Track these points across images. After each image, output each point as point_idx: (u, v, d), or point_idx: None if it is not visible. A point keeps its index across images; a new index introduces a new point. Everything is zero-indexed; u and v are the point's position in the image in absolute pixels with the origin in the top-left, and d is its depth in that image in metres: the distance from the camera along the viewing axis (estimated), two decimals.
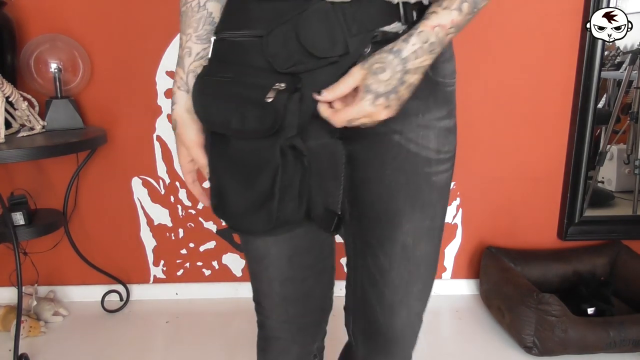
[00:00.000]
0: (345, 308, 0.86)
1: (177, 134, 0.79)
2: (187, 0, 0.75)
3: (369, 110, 0.62)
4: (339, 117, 0.64)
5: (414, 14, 0.65)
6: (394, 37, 0.65)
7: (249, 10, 0.68)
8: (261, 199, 0.69)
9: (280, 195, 0.68)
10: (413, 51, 0.61)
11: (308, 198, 0.71)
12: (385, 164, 0.72)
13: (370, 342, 0.83)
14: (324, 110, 0.65)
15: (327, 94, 0.64)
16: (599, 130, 1.93)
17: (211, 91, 0.70)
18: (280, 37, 0.64)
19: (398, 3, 0.64)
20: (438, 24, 0.61)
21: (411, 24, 0.65)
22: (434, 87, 0.70)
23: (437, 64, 0.68)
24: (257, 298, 0.87)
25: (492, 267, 1.86)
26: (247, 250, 0.83)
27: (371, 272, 0.77)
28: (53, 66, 1.68)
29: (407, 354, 0.84)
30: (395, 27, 0.65)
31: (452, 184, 1.95)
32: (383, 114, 0.63)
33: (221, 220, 1.96)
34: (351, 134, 0.72)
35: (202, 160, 0.77)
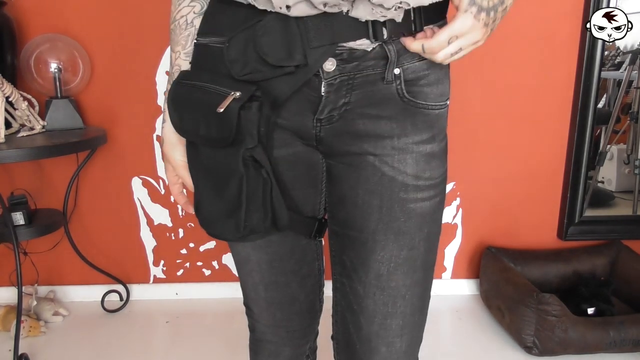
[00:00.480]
0: (332, 337, 0.84)
1: (164, 152, 0.78)
2: (175, 17, 0.73)
3: (470, 23, 0.60)
4: (439, 37, 0.60)
5: (384, 31, 0.62)
6: (362, 54, 0.63)
7: (221, 15, 0.68)
8: (230, 207, 0.68)
9: (246, 205, 0.66)
10: None
11: (272, 209, 0.69)
12: (359, 184, 0.69)
13: None
14: (419, 38, 0.62)
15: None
16: (599, 130, 1.93)
17: (183, 98, 0.69)
18: (240, 43, 0.64)
19: (367, 21, 0.61)
20: None
21: (384, 42, 0.63)
22: (412, 110, 0.66)
23: (417, 86, 0.66)
24: (246, 302, 0.88)
25: (492, 267, 1.86)
26: (232, 255, 0.83)
27: (348, 295, 0.75)
28: (53, 66, 1.68)
29: None
30: (363, 43, 0.62)
31: (452, 184, 1.95)
32: (481, 32, 0.61)
33: None
34: (326, 149, 0.71)
35: (189, 180, 0.77)
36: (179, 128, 0.71)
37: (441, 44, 0.61)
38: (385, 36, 0.62)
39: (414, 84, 0.66)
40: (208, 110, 0.64)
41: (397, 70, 0.64)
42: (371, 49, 0.63)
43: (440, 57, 0.62)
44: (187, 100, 0.68)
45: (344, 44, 0.62)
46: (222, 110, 0.61)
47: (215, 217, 0.71)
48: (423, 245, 0.71)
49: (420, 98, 0.67)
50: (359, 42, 0.62)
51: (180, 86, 0.70)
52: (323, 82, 0.64)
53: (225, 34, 0.66)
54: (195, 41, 0.72)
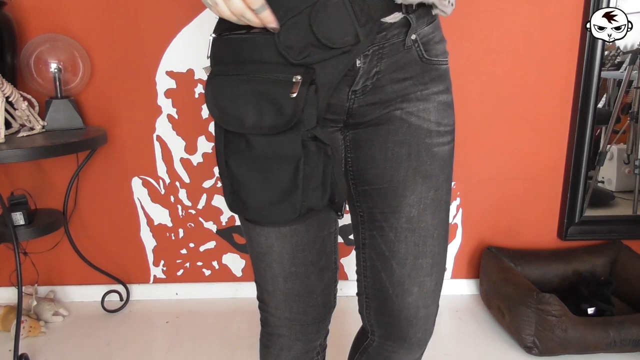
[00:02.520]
0: (358, 294, 0.88)
1: None
2: None
3: None
4: None
5: (413, 5, 0.69)
6: (389, 25, 0.69)
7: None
8: (283, 191, 0.70)
9: (303, 186, 0.70)
10: None
11: (332, 185, 0.73)
12: (388, 138, 0.76)
13: (385, 326, 0.84)
14: None
15: None
16: (599, 130, 1.93)
17: (225, 91, 0.70)
18: (293, 29, 0.66)
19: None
20: None
21: (410, 12, 0.69)
22: (428, 66, 0.75)
23: (429, 46, 0.75)
24: (260, 296, 0.87)
25: (492, 267, 1.86)
26: (251, 248, 0.84)
27: (379, 245, 0.79)
28: (53, 66, 1.68)
29: (423, 340, 0.85)
30: (396, 16, 0.69)
31: (452, 183, 1.95)
32: None
33: (221, 220, 1.96)
34: (355, 120, 0.76)
35: None
36: (221, 120, 0.72)
37: None
38: (414, 7, 0.70)
39: (427, 45, 0.74)
40: (259, 98, 0.67)
41: (413, 36, 0.72)
42: (400, 18, 0.70)
43: None
44: (230, 93, 0.69)
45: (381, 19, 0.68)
46: (295, 95, 0.65)
47: (265, 204, 0.72)
48: (445, 187, 0.79)
49: (433, 55, 0.76)
50: (393, 15, 0.69)
51: (218, 80, 0.71)
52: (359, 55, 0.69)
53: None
54: (218, 36, 0.72)
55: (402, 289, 0.79)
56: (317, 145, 0.70)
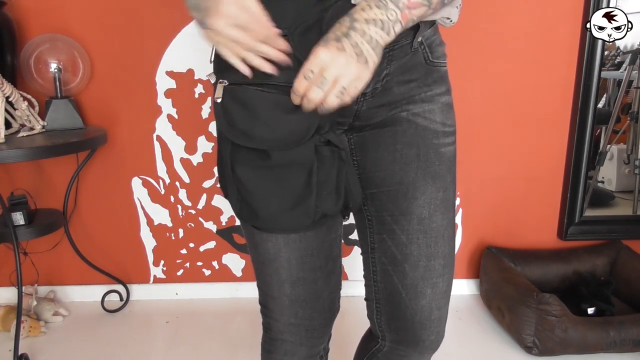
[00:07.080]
0: (366, 299, 0.86)
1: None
2: None
3: (323, 53, 0.60)
4: (300, 83, 0.61)
5: None
6: None
7: (268, 10, 0.67)
8: (296, 198, 0.69)
9: (317, 192, 0.69)
10: (361, 8, 0.61)
11: (346, 190, 0.72)
12: (396, 140, 0.76)
13: (397, 331, 0.82)
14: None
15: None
16: (599, 130, 1.93)
17: (237, 101, 0.68)
18: (307, 34, 0.65)
19: None
20: None
21: None
22: (430, 67, 0.76)
23: (433, 48, 0.76)
24: (264, 301, 0.86)
25: (492, 267, 1.86)
26: (257, 254, 0.82)
27: (390, 249, 0.79)
28: (53, 66, 1.68)
29: (436, 342, 0.83)
30: None
31: None
32: (344, 59, 0.60)
33: (221, 220, 1.95)
34: (362, 122, 0.76)
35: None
36: (230, 133, 0.69)
37: (300, 81, 0.62)
38: None
39: (431, 47, 0.76)
40: (276, 107, 0.65)
41: (420, 38, 0.73)
42: None
43: (316, 95, 0.61)
44: (241, 103, 0.67)
45: None
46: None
47: (278, 212, 0.71)
48: (452, 187, 0.79)
49: (435, 57, 0.77)
50: None
51: (228, 89, 0.69)
52: None
53: (280, 28, 0.65)
54: None
55: (416, 291, 0.78)
56: (330, 149, 0.69)
